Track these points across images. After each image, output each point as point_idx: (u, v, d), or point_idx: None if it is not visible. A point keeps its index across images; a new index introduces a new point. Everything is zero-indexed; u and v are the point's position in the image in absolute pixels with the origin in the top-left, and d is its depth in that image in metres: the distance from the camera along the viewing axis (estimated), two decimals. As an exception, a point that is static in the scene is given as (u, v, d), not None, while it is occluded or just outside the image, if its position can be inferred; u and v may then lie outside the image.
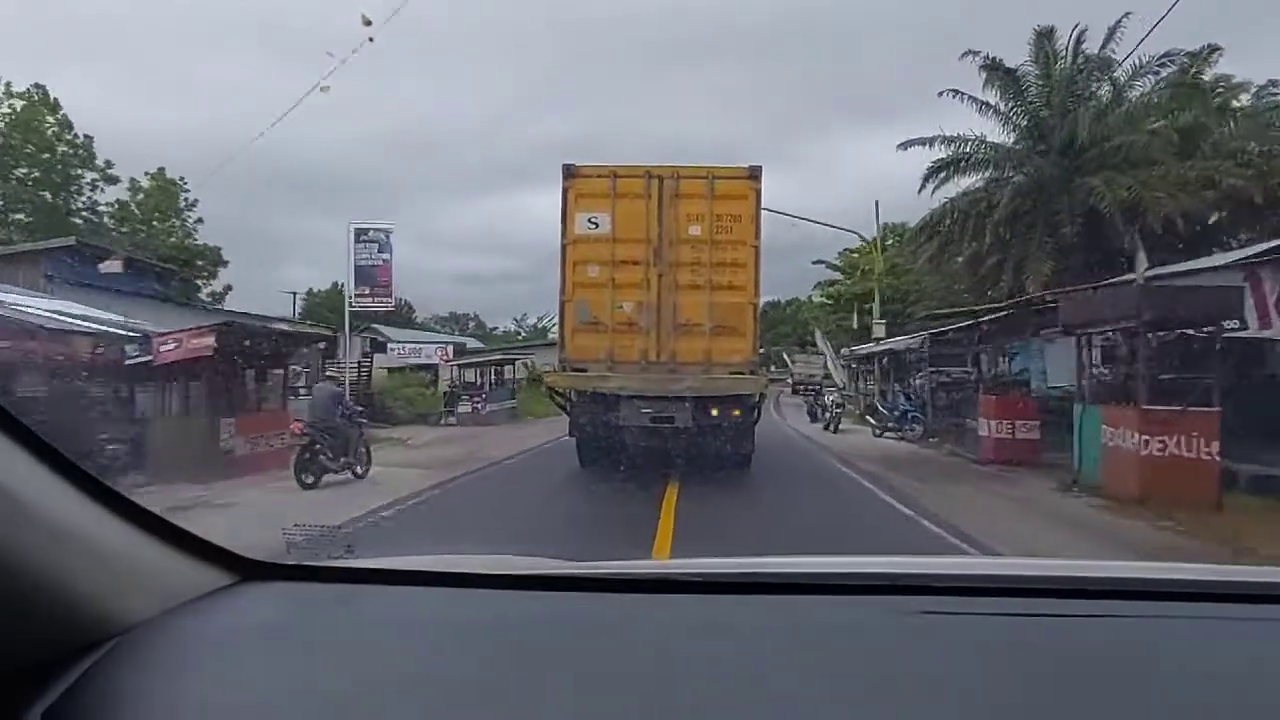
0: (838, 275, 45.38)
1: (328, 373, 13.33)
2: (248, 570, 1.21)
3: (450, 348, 34.75)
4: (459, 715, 0.91)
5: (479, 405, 26.52)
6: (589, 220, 11.43)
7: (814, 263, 44.16)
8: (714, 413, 11.18)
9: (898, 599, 1.17)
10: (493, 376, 30.61)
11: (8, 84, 30.95)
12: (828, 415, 23.62)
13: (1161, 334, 11.16)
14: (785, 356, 53.91)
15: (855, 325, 38.53)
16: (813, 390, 40.20)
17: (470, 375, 30.13)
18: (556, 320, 12.24)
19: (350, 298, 23.62)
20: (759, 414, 11.99)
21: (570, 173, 11.53)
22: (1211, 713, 0.91)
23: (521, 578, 1.26)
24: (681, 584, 1.26)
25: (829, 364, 51.13)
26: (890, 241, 39.99)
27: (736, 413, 11.40)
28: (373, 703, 0.92)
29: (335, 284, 59.86)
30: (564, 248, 11.55)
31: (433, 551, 1.37)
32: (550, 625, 1.11)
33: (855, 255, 43.46)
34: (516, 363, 33.41)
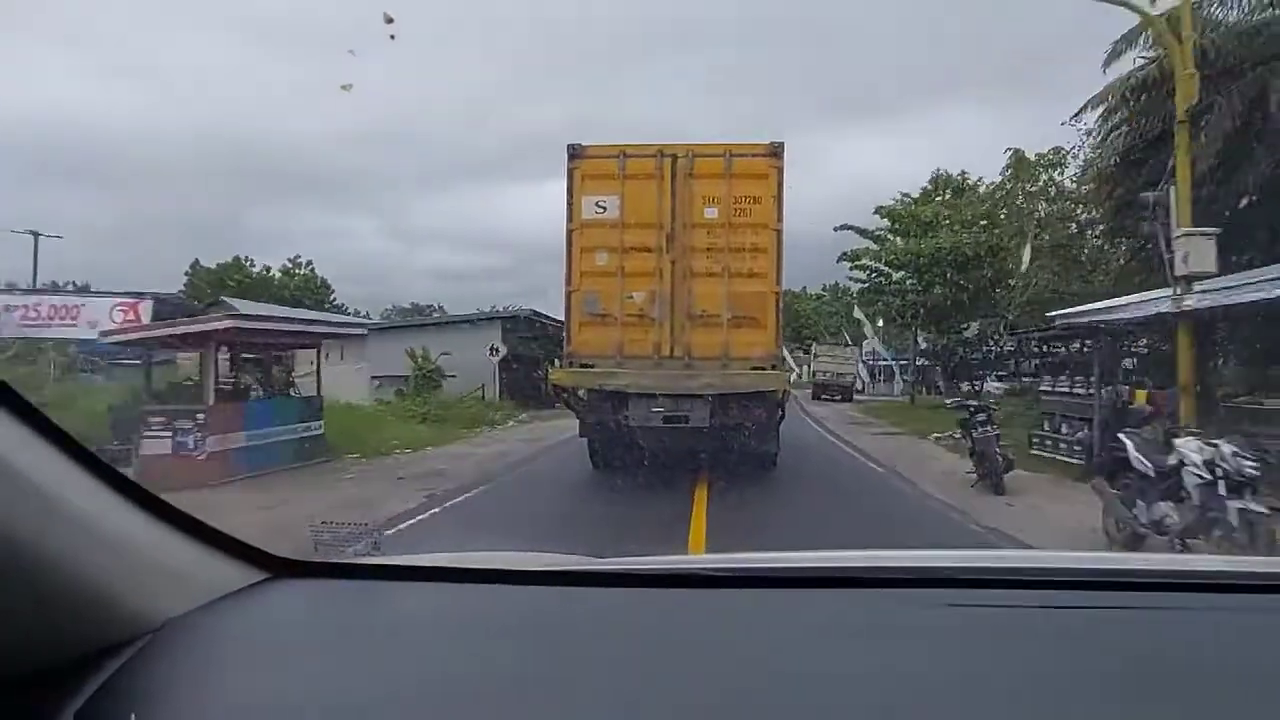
0: (870, 243, 32.39)
1: None
2: (277, 568, 1.24)
3: (141, 306, 16.59)
4: (488, 710, 0.94)
5: (189, 438, 11.94)
6: (596, 204, 10.91)
7: (838, 229, 32.08)
8: (733, 412, 10.62)
9: (924, 592, 1.20)
10: (262, 372, 15.06)
11: None
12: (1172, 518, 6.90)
13: None
14: (784, 354, 45.34)
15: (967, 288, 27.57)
16: (837, 389, 34.60)
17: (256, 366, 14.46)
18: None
19: None
20: (783, 412, 11.29)
21: (576, 153, 11.04)
22: (1239, 704, 0.92)
23: (548, 574, 1.30)
24: (708, 579, 1.29)
25: (858, 357, 42.83)
26: (939, 197, 31.00)
27: (758, 411, 10.83)
28: (402, 698, 0.95)
29: (237, 257, 52.32)
30: (569, 234, 11.03)
31: (459, 549, 1.41)
32: (577, 620, 1.15)
33: (916, 204, 31.23)
34: (324, 346, 15.83)
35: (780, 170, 10.82)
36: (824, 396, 39.54)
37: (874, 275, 31.53)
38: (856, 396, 40.91)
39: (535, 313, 33.94)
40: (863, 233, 31.71)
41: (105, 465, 1.00)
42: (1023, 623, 1.11)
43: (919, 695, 0.93)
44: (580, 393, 11.12)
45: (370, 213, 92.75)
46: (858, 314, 36.45)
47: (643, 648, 1.06)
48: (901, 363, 46.80)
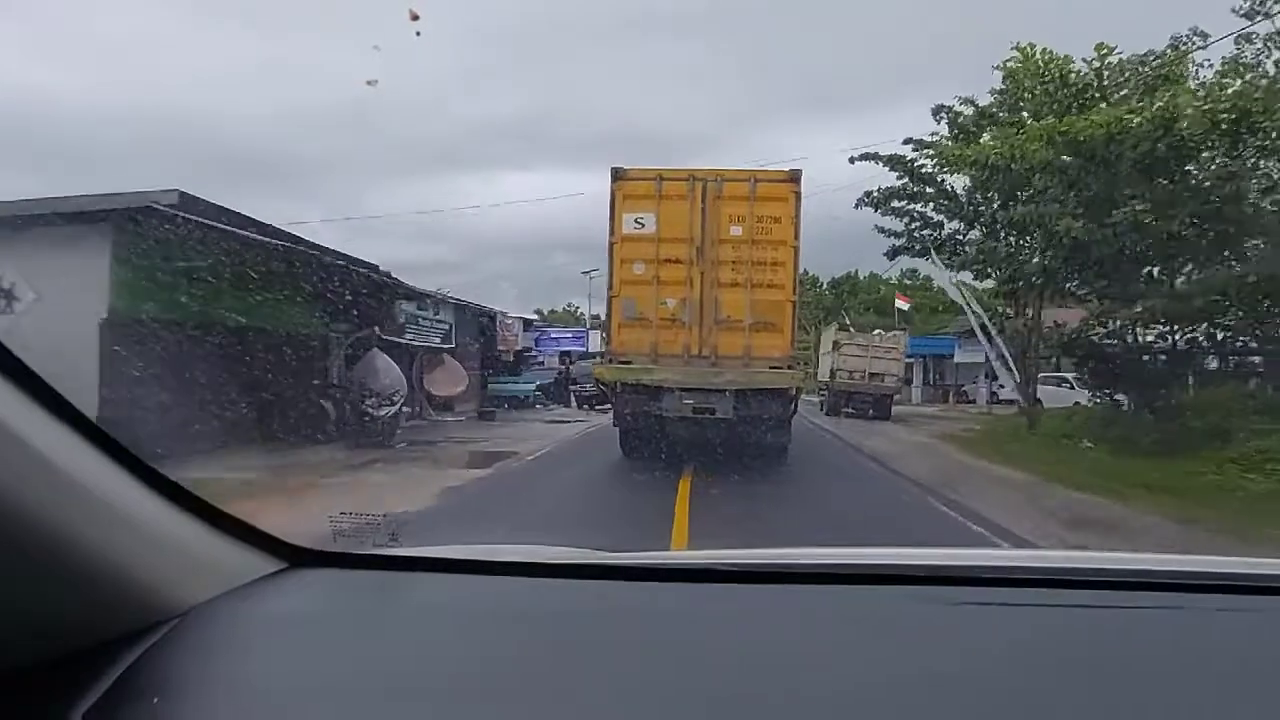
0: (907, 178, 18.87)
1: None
2: (295, 557, 1.21)
3: None
4: (502, 699, 0.91)
5: None
6: (635, 220, 11.76)
7: (855, 160, 19.27)
8: (752, 405, 11.48)
9: (935, 589, 1.16)
10: None
11: None
12: None
13: None
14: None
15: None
16: (868, 399, 22.46)
17: None
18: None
19: None
20: (795, 407, 12.37)
21: (618, 175, 11.89)
22: (1243, 702, 0.88)
23: (560, 567, 1.26)
24: (717, 573, 1.24)
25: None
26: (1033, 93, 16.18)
27: (775, 405, 11.72)
28: (419, 687, 0.92)
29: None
30: (611, 246, 11.91)
31: (473, 542, 1.38)
32: (588, 613, 1.12)
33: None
34: None
35: (798, 194, 11.61)
36: (848, 410, 24.17)
37: (915, 225, 19.62)
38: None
39: (183, 197, 11.26)
40: (894, 163, 18.64)
41: (126, 450, 0.97)
42: (1034, 621, 1.07)
43: (926, 691, 0.89)
44: (616, 386, 12.06)
45: (318, 200, 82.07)
46: (937, 268, 20.20)
47: (653, 640, 1.03)
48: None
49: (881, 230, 20.77)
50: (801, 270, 15.61)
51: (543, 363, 33.88)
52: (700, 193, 11.73)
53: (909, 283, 46.87)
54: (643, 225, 11.82)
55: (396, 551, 1.43)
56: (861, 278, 54.92)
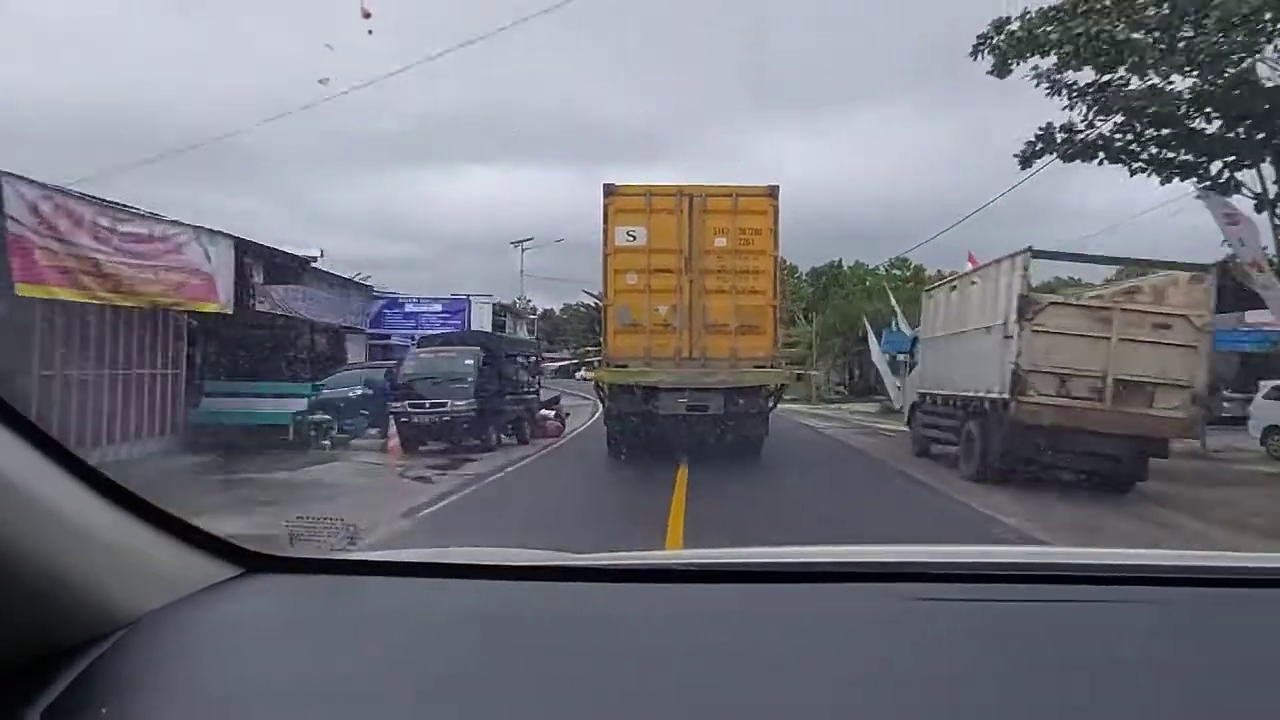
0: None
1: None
2: (252, 562, 1.16)
3: None
4: (463, 705, 0.87)
5: None
6: (627, 233, 12.27)
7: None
8: (740, 402, 12.02)
9: (897, 586, 1.13)
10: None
11: None
12: None
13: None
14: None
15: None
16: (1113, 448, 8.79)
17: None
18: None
19: None
20: (776, 403, 12.98)
21: (610, 191, 12.38)
22: (1207, 698, 0.86)
23: (524, 569, 1.21)
24: (684, 574, 1.21)
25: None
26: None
27: (759, 401, 12.32)
28: (377, 693, 0.88)
29: None
30: (605, 258, 12.39)
31: (436, 545, 1.32)
32: (552, 616, 1.07)
33: None
34: None
35: (776, 208, 12.16)
36: (1031, 470, 9.66)
37: (1118, 80, 11.66)
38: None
39: None
40: None
41: (76, 458, 0.93)
42: (995, 616, 1.05)
43: (890, 687, 0.87)
44: (606, 387, 12.62)
45: (271, 196, 76.84)
46: None
47: (619, 642, 1.00)
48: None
49: (1045, 80, 11.13)
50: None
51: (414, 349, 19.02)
52: (687, 207, 12.27)
53: (896, 272, 43.21)
54: (634, 238, 12.33)
55: (354, 555, 1.39)
56: (846, 267, 52.11)
